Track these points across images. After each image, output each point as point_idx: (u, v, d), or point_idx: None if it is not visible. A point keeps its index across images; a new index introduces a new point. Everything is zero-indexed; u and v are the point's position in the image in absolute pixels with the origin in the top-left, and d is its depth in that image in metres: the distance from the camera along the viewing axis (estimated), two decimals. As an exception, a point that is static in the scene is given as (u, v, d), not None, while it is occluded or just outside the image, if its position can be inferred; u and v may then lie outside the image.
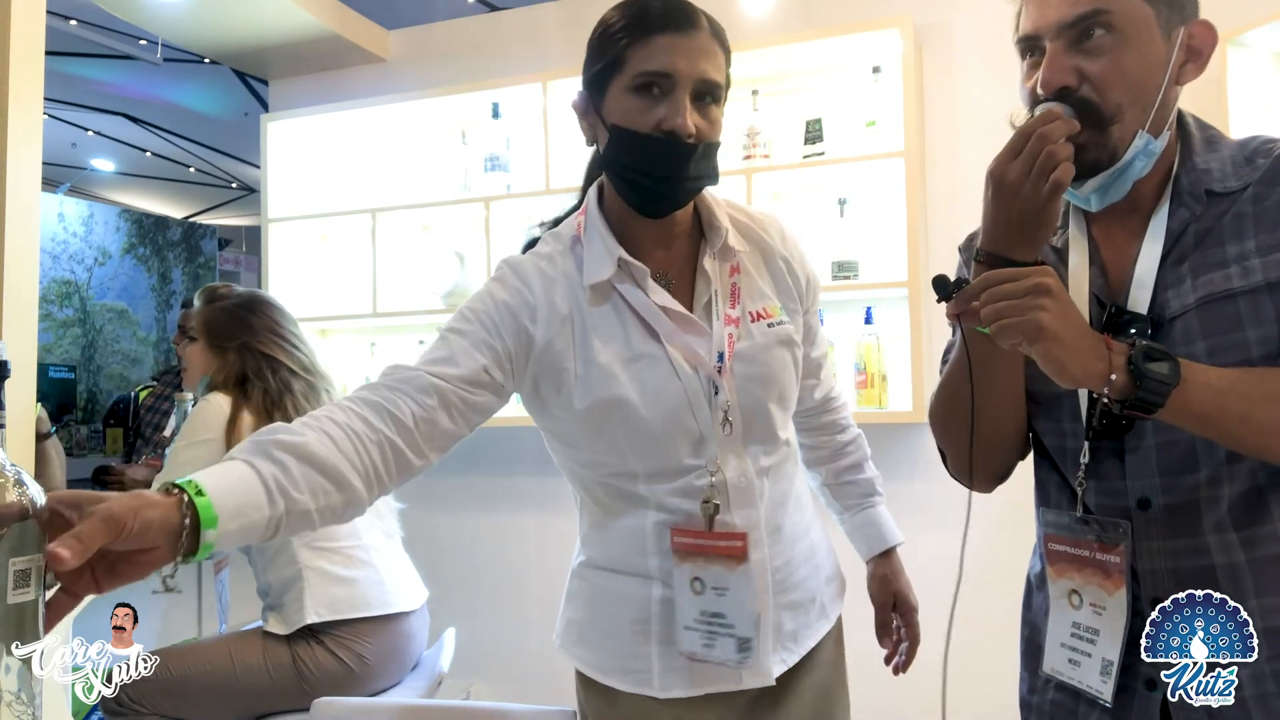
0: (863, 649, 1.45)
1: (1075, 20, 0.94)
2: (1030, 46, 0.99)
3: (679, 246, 1.18)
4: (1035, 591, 1.11)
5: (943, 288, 0.95)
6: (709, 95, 1.09)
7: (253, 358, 2.03)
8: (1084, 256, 1.03)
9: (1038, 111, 0.94)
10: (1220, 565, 0.93)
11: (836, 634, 1.29)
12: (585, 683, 1.23)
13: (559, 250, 1.17)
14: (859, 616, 1.43)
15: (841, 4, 2.75)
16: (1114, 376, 0.87)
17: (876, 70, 2.58)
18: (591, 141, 1.17)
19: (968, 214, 2.62)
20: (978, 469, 1.06)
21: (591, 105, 1.13)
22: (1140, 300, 0.97)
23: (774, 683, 1.16)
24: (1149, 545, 0.97)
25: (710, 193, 1.19)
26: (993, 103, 2.61)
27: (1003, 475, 1.12)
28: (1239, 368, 0.91)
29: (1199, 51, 0.97)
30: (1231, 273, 0.93)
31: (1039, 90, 0.96)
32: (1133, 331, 0.93)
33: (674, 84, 1.06)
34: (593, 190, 1.20)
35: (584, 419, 1.12)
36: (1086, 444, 0.99)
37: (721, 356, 1.12)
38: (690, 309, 1.15)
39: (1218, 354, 0.92)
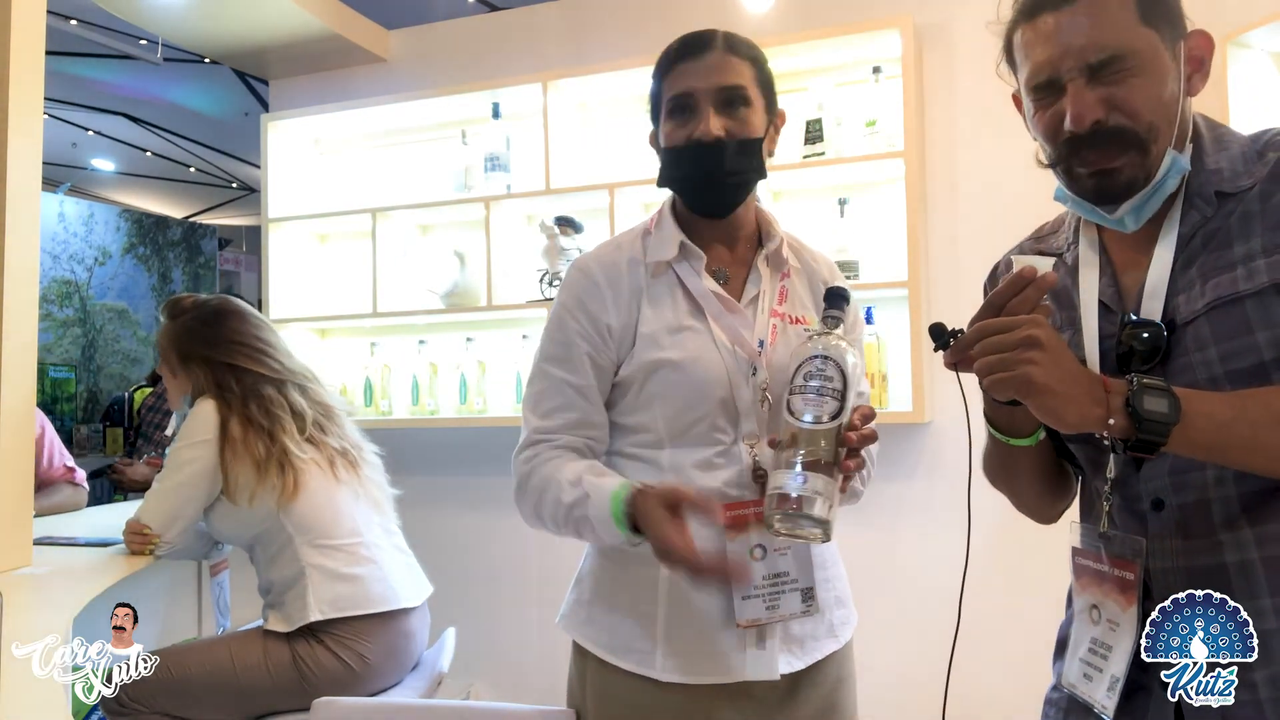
0: (864, 649, 1.45)
1: (1101, 64, 0.94)
2: (1047, 85, 0.98)
3: (739, 250, 1.30)
4: (1070, 602, 1.12)
5: (939, 335, 0.95)
6: (736, 100, 1.21)
7: (217, 370, 2.02)
8: (1094, 268, 1.03)
9: (1016, 267, 0.93)
10: (1232, 563, 0.92)
11: (844, 658, 1.31)
12: (586, 659, 1.27)
13: (629, 239, 1.31)
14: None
15: (841, 4, 2.75)
16: (1112, 420, 0.87)
17: (876, 70, 2.58)
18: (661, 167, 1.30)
19: (968, 214, 2.63)
20: (1031, 515, 1.17)
21: (656, 139, 1.30)
22: (1153, 309, 0.96)
23: (778, 678, 1.19)
24: (1163, 545, 0.96)
25: (771, 213, 1.34)
26: (993, 103, 2.61)
27: (1055, 516, 1.17)
28: (1247, 391, 0.90)
29: (1201, 60, 0.97)
30: (1238, 275, 0.92)
31: (1069, 127, 0.95)
32: (1132, 377, 0.90)
33: (695, 100, 1.21)
34: (668, 199, 1.33)
35: (623, 383, 1.25)
36: (1112, 458, 0.99)
37: (762, 343, 1.23)
38: (739, 302, 1.27)
39: (1230, 359, 0.91)
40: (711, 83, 1.20)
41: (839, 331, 1.13)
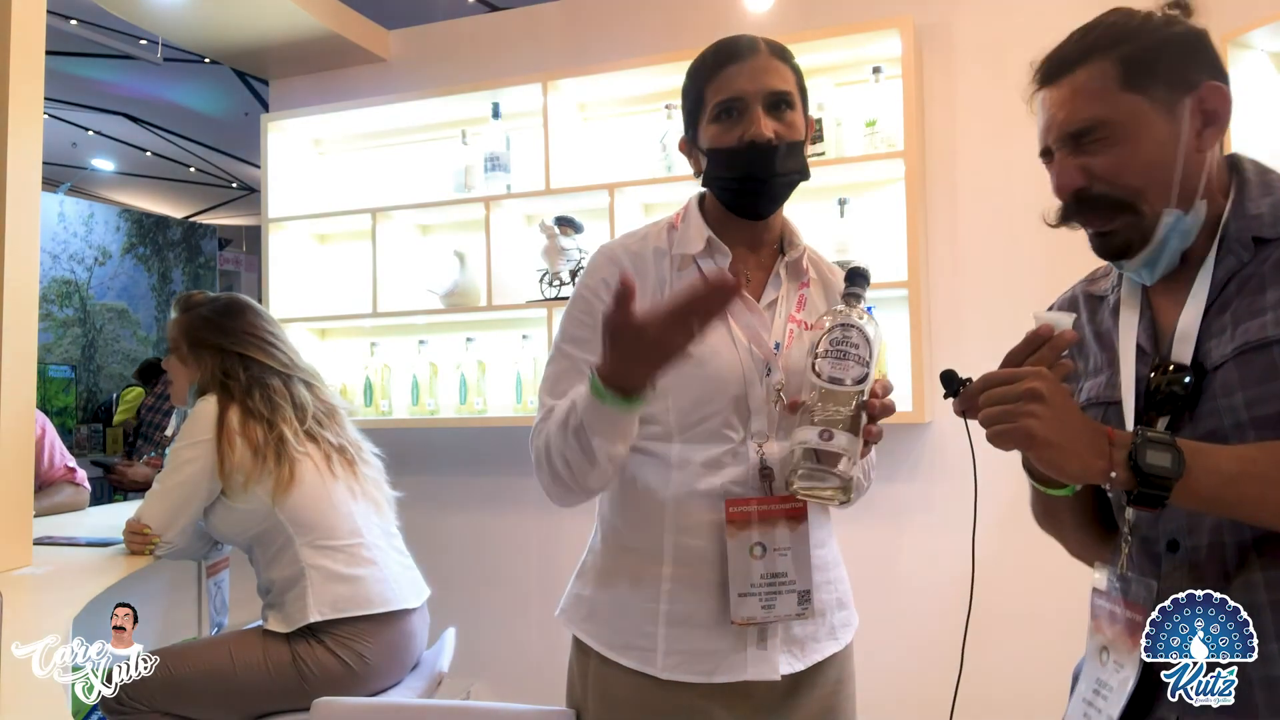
0: (866, 650, 1.45)
1: (1076, 133, 0.98)
2: (1046, 154, 1.04)
3: (762, 255, 1.31)
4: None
5: (950, 383, 0.97)
6: (782, 103, 1.23)
7: (227, 359, 2.04)
8: (1135, 311, 1.04)
9: (1036, 324, 0.96)
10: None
11: (844, 660, 1.32)
12: (588, 655, 1.27)
13: (655, 231, 1.32)
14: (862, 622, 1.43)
15: (841, 4, 2.75)
16: (1114, 474, 0.88)
17: (876, 70, 2.58)
18: (697, 173, 1.31)
19: (968, 214, 2.63)
20: (1080, 559, 1.15)
21: (690, 142, 1.30)
22: (1183, 353, 0.96)
23: (779, 678, 1.19)
24: (1174, 587, 0.95)
25: (797, 225, 1.35)
26: (993, 103, 2.61)
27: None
28: (1259, 445, 0.89)
29: (1214, 113, 0.97)
30: (1267, 321, 0.92)
31: (1055, 194, 1.01)
32: (1138, 429, 0.90)
33: (745, 103, 1.21)
34: (694, 196, 1.34)
35: None
36: (1127, 506, 0.99)
37: (778, 345, 1.24)
38: (757, 303, 1.28)
39: (1256, 405, 0.91)
40: (761, 85, 1.21)
41: (861, 308, 1.14)
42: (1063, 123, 0.99)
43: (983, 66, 2.63)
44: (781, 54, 1.25)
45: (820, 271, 1.35)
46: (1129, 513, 1.00)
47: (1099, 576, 1.04)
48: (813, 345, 1.12)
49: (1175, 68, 0.97)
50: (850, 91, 2.68)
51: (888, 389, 1.13)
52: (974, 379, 0.95)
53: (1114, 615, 1.00)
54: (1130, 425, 0.99)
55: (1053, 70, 1.01)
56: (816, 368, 1.09)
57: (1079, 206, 1.00)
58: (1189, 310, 0.98)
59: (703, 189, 1.33)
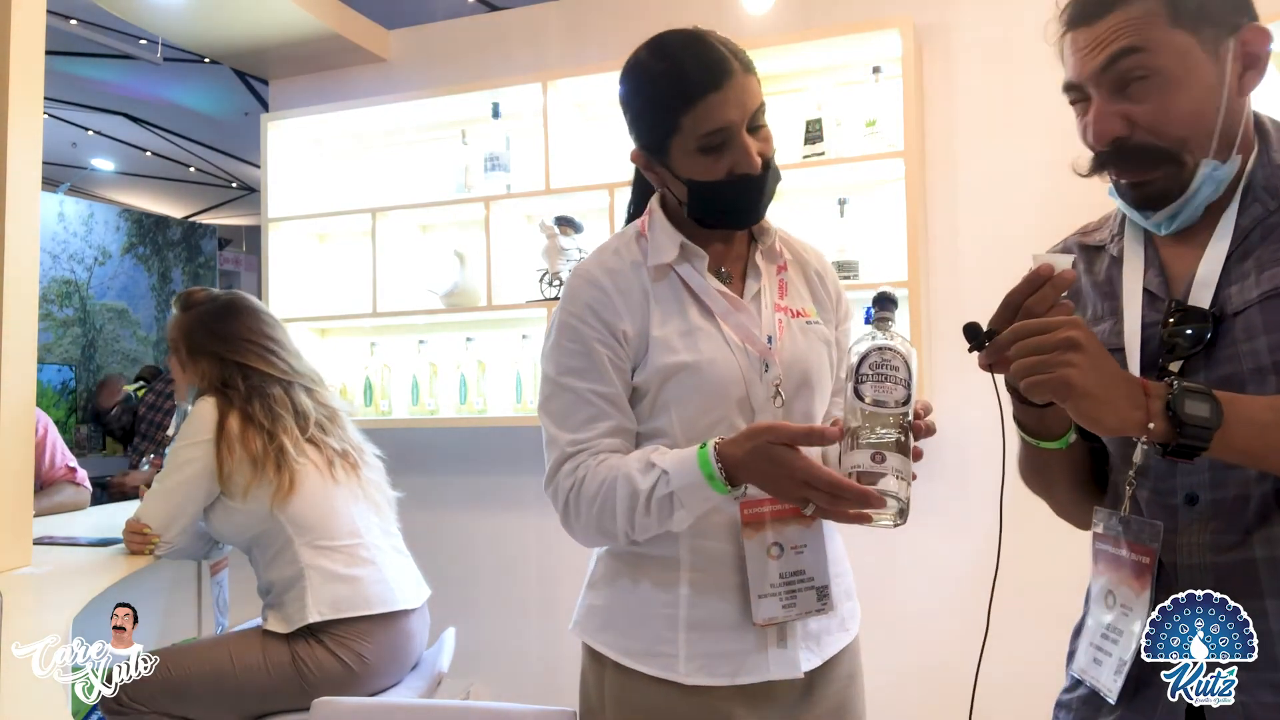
0: (868, 650, 1.45)
1: (1108, 62, 0.93)
2: (1076, 95, 0.98)
3: (736, 246, 1.30)
4: (1088, 600, 1.10)
5: (974, 335, 0.93)
6: (761, 120, 1.20)
7: (226, 366, 2.03)
8: (1140, 258, 1.02)
9: (1034, 265, 0.92)
10: (1262, 559, 0.91)
11: (853, 653, 1.32)
12: (604, 665, 1.25)
13: (624, 244, 1.28)
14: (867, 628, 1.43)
15: (841, 4, 2.75)
16: (1152, 425, 0.85)
17: (876, 70, 2.58)
18: (661, 187, 1.27)
19: (968, 214, 2.62)
20: (1069, 519, 1.14)
21: (657, 161, 1.24)
22: (1202, 298, 0.95)
23: (801, 675, 1.20)
24: (1191, 541, 0.95)
25: (796, 225, 1.32)
26: (993, 103, 2.61)
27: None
28: None
29: (1256, 56, 0.94)
30: None
31: (1092, 143, 0.96)
32: (1172, 380, 0.88)
33: (732, 133, 1.17)
34: (654, 200, 1.30)
35: (637, 389, 1.23)
36: (1139, 445, 0.98)
37: (771, 339, 1.23)
38: (742, 299, 1.26)
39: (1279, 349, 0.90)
40: (744, 111, 1.17)
41: (891, 331, 1.13)
42: (1107, 63, 0.92)
43: (983, 66, 2.63)
44: (747, 62, 1.20)
45: (794, 251, 1.35)
46: (1137, 457, 0.98)
47: (1099, 520, 1.03)
48: (851, 369, 1.10)
49: (1222, 6, 0.93)
50: (850, 91, 2.68)
51: (928, 409, 1.11)
52: (994, 329, 0.92)
53: (1119, 559, 0.99)
54: (1135, 373, 0.96)
55: (1091, 8, 0.94)
56: (860, 392, 1.07)
57: (1116, 156, 0.95)
58: (1210, 257, 0.95)
59: (658, 194, 1.30)
